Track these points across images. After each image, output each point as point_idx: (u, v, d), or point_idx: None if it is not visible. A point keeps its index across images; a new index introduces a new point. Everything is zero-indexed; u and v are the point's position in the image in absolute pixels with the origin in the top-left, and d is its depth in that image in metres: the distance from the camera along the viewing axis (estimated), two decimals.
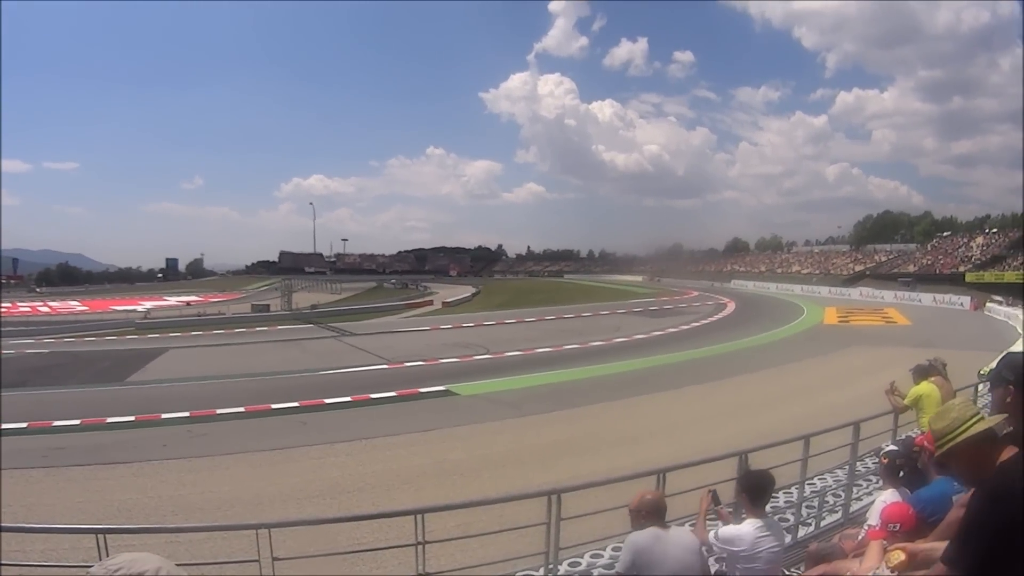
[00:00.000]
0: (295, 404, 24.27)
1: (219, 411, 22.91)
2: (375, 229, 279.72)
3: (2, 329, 52.48)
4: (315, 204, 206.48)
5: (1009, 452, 3.33)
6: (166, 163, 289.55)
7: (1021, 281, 73.15)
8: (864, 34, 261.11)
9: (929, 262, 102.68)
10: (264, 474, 16.52)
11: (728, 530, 6.01)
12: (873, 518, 5.92)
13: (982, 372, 4.35)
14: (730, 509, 6.61)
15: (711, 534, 6.07)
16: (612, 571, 8.16)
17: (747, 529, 5.89)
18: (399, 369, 33.52)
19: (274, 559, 5.91)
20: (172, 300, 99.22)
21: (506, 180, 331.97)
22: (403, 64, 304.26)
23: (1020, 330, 46.75)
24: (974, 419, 3.48)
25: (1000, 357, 4.32)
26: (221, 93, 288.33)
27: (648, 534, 5.61)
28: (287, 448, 18.70)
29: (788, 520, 9.87)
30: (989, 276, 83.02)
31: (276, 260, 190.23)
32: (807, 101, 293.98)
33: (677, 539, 5.69)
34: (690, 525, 6.45)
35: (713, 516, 6.48)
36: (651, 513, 5.77)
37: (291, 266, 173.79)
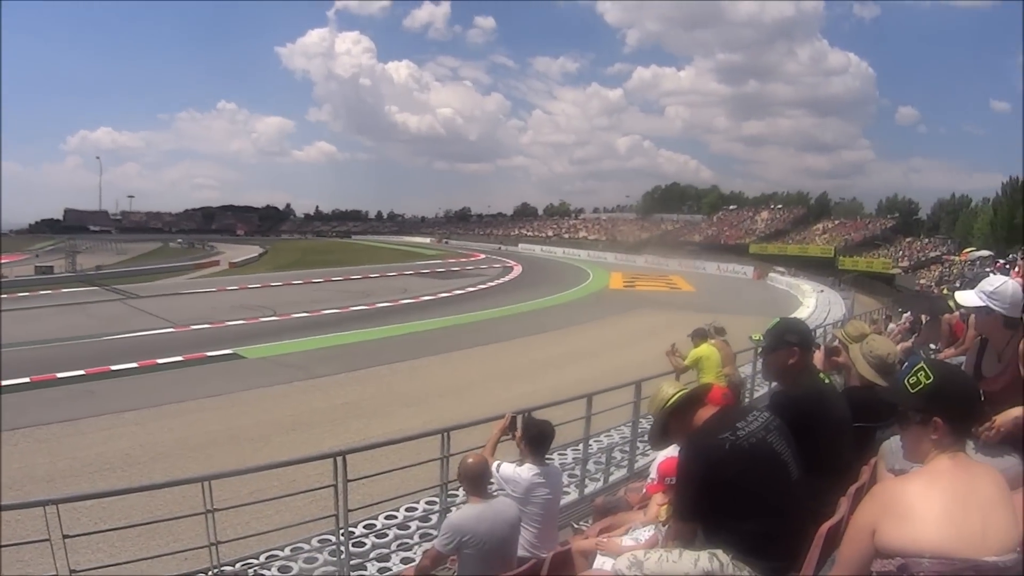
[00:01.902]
0: (81, 372, 23.83)
1: (3, 383, 21.82)
2: (163, 186, 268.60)
3: None
4: (102, 158, 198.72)
5: (709, 411, 3.73)
6: None
7: (802, 254, 77.80)
8: (667, 15, 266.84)
9: (715, 232, 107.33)
10: (53, 448, 16.17)
11: (508, 469, 6.30)
12: (654, 472, 6.24)
13: (753, 337, 5.06)
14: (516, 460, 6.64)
15: (494, 466, 6.30)
16: (407, 531, 9.06)
17: (524, 474, 6.20)
18: (185, 332, 33.27)
19: (64, 536, 5.75)
20: None
21: (297, 138, 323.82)
22: (197, 12, 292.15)
23: (801, 299, 49.86)
24: (679, 392, 3.95)
25: (774, 323, 4.83)
26: (6, 38, 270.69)
27: (470, 514, 5.69)
28: (75, 420, 18.40)
29: (577, 476, 10.65)
30: (772, 248, 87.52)
31: (61, 219, 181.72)
32: (604, 74, 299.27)
33: (497, 513, 5.76)
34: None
35: (509, 438, 6.82)
36: (473, 480, 5.89)
37: (76, 224, 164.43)
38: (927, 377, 2.77)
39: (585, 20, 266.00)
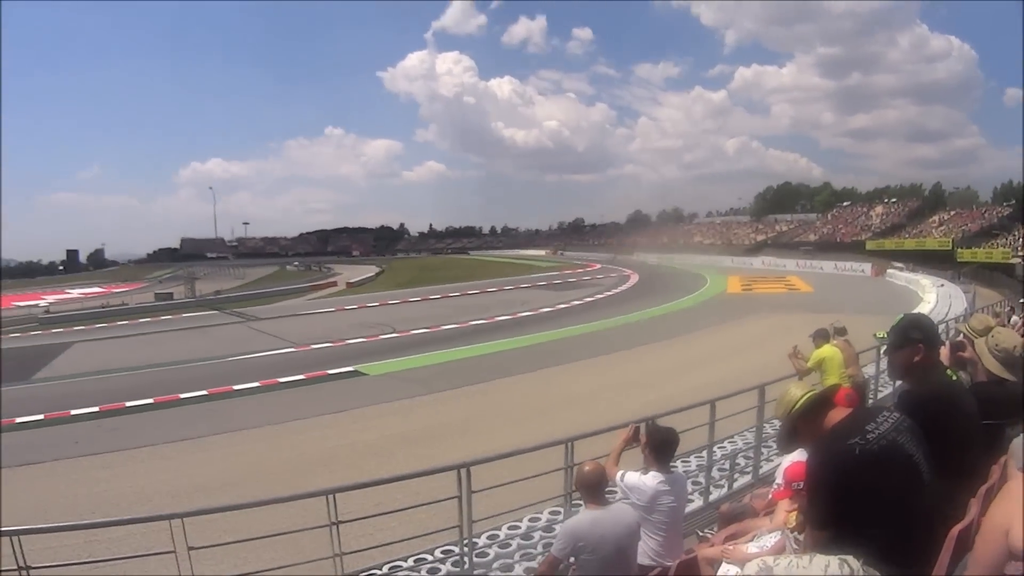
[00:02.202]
0: (204, 392, 24.04)
1: (128, 404, 22.55)
2: (276, 212, 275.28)
3: None
4: (215, 188, 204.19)
5: (839, 414, 3.52)
6: (60, 151, 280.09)
7: (919, 248, 75.66)
8: (763, 12, 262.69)
9: (830, 231, 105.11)
10: (177, 465, 16.37)
11: (632, 478, 6.15)
12: (780, 477, 6.05)
13: (878, 335, 4.73)
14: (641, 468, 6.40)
15: (618, 475, 6.22)
16: (530, 541, 8.88)
17: (649, 482, 6.03)
18: (306, 352, 33.44)
19: (190, 549, 5.91)
20: (75, 293, 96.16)
21: (406, 159, 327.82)
22: (299, 44, 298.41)
23: (922, 295, 48.30)
24: (806, 394, 3.73)
25: (898, 320, 4.60)
26: (112, 76, 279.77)
27: (586, 519, 5.56)
28: (199, 438, 18.56)
29: (701, 483, 10.18)
30: (889, 244, 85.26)
31: (178, 247, 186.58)
32: (706, 76, 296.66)
33: (615, 519, 5.61)
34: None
35: (634, 446, 6.60)
36: (590, 488, 5.71)
37: (193, 252, 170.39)
38: None
39: (682, 23, 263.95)
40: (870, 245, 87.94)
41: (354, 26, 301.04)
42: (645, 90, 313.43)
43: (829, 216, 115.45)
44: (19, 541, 5.81)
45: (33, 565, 5.89)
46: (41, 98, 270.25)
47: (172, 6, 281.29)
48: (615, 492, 6.46)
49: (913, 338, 4.34)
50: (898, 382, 5.60)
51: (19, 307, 72.29)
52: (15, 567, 5.76)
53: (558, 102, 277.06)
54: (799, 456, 5.21)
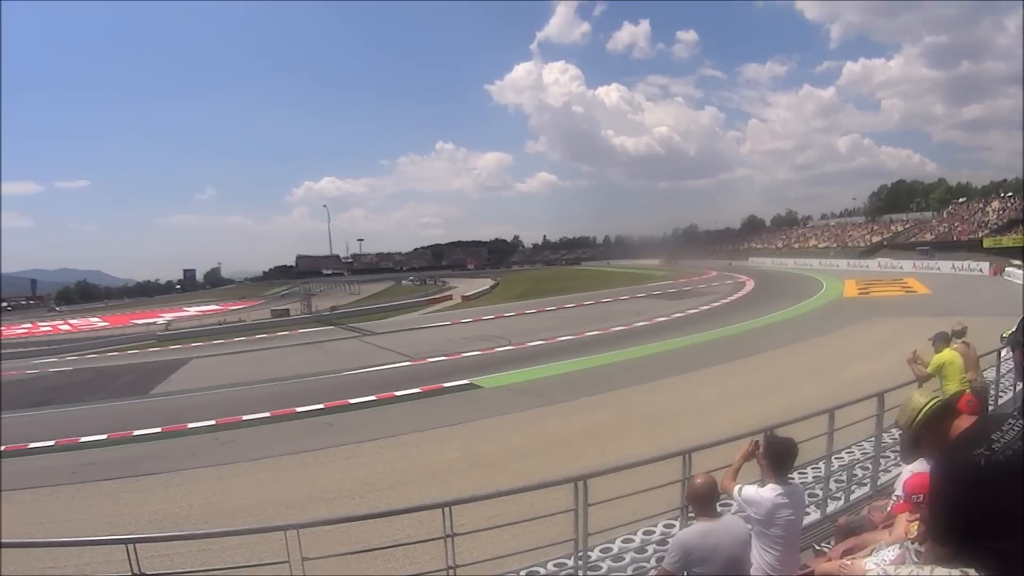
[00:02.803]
0: (320, 406, 24.27)
1: (244, 417, 22.97)
2: (390, 227, 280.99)
3: (2, 351, 52.85)
4: (328, 206, 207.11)
5: (966, 422, 3.43)
6: (177, 175, 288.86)
7: None
8: (866, 4, 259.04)
9: (946, 229, 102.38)
10: (293, 477, 16.56)
11: (750, 491, 6.03)
12: (899, 489, 5.88)
13: (1005, 335, 4.40)
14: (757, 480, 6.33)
15: (736, 489, 6.12)
16: (644, 555, 8.59)
17: (767, 495, 5.91)
18: (422, 365, 33.52)
19: (304, 559, 5.96)
20: (192, 310, 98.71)
21: (517, 171, 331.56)
22: (407, 62, 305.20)
23: None
24: (930, 402, 3.71)
25: (1020, 320, 4.53)
26: (225, 100, 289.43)
27: (696, 531, 5.54)
28: (314, 450, 18.66)
29: (817, 495, 9.86)
30: (1008, 240, 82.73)
31: (293, 265, 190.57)
32: (814, 74, 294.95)
33: (726, 531, 5.59)
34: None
35: (752, 460, 6.43)
36: (701, 500, 5.66)
37: (308, 269, 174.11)
38: None
39: (785, 21, 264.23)
40: (987, 242, 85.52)
41: (461, 41, 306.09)
42: (753, 91, 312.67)
43: (945, 214, 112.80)
44: (134, 549, 5.88)
45: (148, 573, 5.93)
46: (159, 124, 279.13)
47: (287, 31, 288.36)
48: (731, 505, 6.55)
49: (1018, 341, 4.29)
50: (1020, 386, 5.18)
51: (137, 324, 74.37)
52: (130, 574, 5.80)
53: (667, 107, 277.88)
54: (919, 467, 5.43)
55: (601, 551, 8.53)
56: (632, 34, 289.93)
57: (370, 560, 8.50)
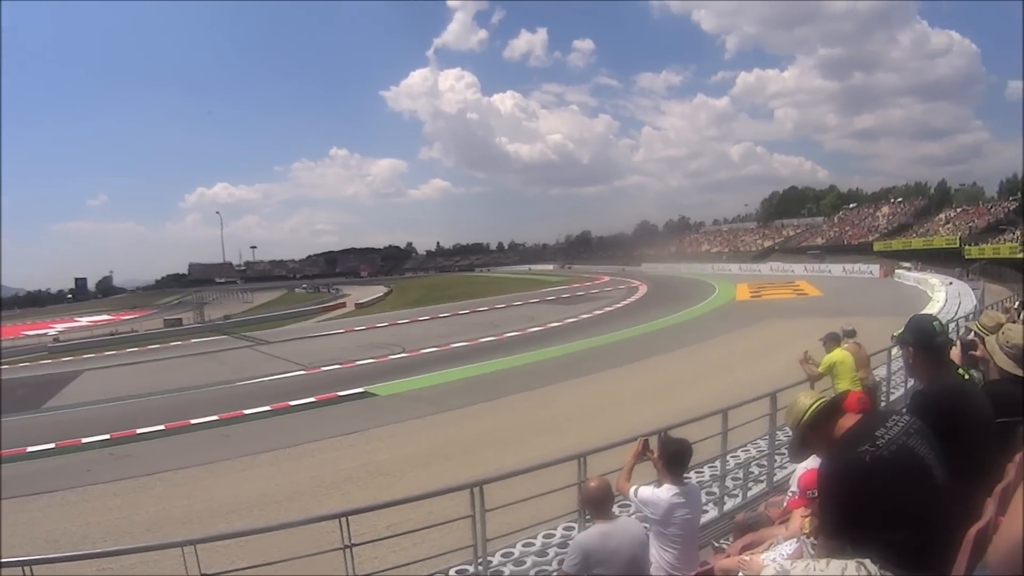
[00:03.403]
0: (215, 417, 24.12)
1: (139, 431, 22.63)
2: (283, 235, 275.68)
3: None
4: (221, 212, 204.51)
5: (850, 421, 3.55)
6: (69, 180, 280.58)
7: (927, 247, 75.88)
8: (763, 16, 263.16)
9: (837, 234, 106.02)
10: (190, 491, 16.34)
11: (646, 492, 6.14)
12: (794, 485, 6.15)
13: (895, 334, 4.74)
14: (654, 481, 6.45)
15: (632, 490, 6.24)
16: (545, 558, 8.87)
17: (663, 495, 6.02)
18: (316, 374, 33.50)
19: (202, 575, 6.00)
20: (83, 320, 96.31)
21: (411, 177, 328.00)
22: (300, 66, 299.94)
23: (930, 294, 48.27)
24: (815, 402, 3.79)
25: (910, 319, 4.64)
26: (118, 105, 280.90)
27: (595, 533, 5.64)
28: (211, 463, 18.55)
29: (715, 493, 10.21)
30: (896, 244, 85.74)
31: (186, 273, 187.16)
32: (708, 83, 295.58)
33: (624, 532, 5.70)
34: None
35: (645, 460, 6.59)
36: (595, 504, 5.79)
37: (201, 277, 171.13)
38: None
39: (682, 31, 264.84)
40: (878, 246, 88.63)
41: (357, 46, 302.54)
42: (648, 99, 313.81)
43: (836, 219, 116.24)
44: (30, 570, 5.82)
45: None
46: (48, 129, 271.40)
47: (177, 34, 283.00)
48: (629, 507, 6.67)
49: (905, 340, 4.47)
50: (911, 383, 5.63)
51: (28, 336, 72.49)
52: None
53: (561, 115, 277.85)
54: (813, 463, 5.20)
55: (503, 556, 8.77)
56: (529, 42, 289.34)
57: (271, 573, 8.73)
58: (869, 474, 3.12)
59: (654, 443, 6.72)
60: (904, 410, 3.89)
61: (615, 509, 5.90)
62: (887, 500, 3.09)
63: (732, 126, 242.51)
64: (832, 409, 3.71)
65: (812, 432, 3.74)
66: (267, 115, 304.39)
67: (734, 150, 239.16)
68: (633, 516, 6.42)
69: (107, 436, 22.17)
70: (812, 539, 4.36)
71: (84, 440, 22.00)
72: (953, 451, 3.39)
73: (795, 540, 4.93)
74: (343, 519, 6.64)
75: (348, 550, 6.63)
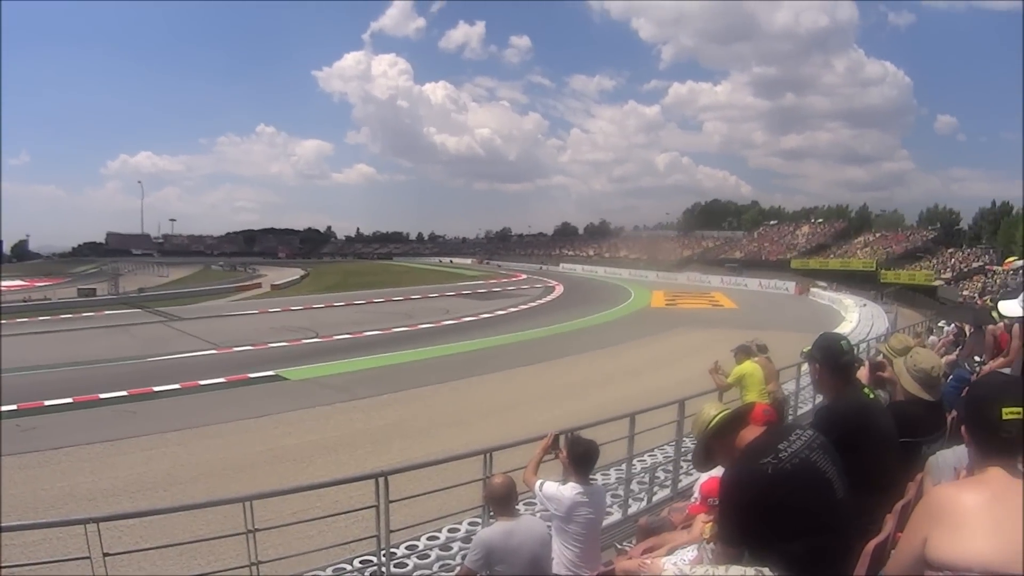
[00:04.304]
0: (124, 393, 23.88)
1: (47, 403, 22.33)
2: (203, 209, 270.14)
3: None
4: (143, 182, 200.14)
5: (753, 433, 3.62)
6: None
7: (844, 268, 77.50)
8: (702, 29, 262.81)
9: (756, 248, 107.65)
10: (96, 467, 16.22)
11: (551, 488, 6.23)
12: (696, 492, 6.28)
13: (804, 351, 4.98)
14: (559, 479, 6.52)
15: (537, 484, 6.34)
16: (449, 552, 8.96)
17: (567, 493, 6.10)
18: (228, 354, 33.37)
19: (105, 555, 5.77)
20: None
21: (336, 160, 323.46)
22: (234, 39, 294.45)
23: (844, 314, 49.43)
24: (720, 413, 3.92)
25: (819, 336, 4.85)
26: (44, 63, 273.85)
27: (498, 530, 5.71)
28: (118, 440, 18.41)
29: (620, 496, 10.38)
30: (814, 263, 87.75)
31: (103, 242, 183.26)
32: (641, 91, 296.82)
33: (527, 531, 5.78)
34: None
35: (552, 457, 6.83)
36: (499, 501, 5.90)
37: (118, 248, 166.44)
38: None
39: (620, 37, 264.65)
40: (795, 264, 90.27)
41: (292, 23, 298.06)
42: (579, 102, 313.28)
43: (756, 234, 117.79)
44: None
45: None
46: None
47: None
48: (534, 502, 6.75)
49: (813, 356, 4.68)
50: (819, 398, 6.03)
51: None
52: None
53: (491, 110, 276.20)
54: (716, 471, 5.48)
55: (407, 548, 8.80)
56: (466, 34, 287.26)
57: (174, 556, 8.71)
58: (770, 485, 3.22)
59: (564, 441, 6.90)
60: (807, 425, 3.98)
61: (520, 506, 6.06)
62: (786, 511, 3.18)
63: (660, 135, 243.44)
64: (736, 420, 3.80)
65: (716, 442, 3.85)
66: (196, 83, 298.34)
67: (660, 159, 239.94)
68: (537, 513, 6.61)
69: (14, 407, 21.72)
70: (712, 545, 4.34)
71: None
72: (854, 467, 3.52)
73: (696, 546, 4.98)
74: (247, 503, 6.49)
75: (251, 535, 6.47)
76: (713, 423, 3.89)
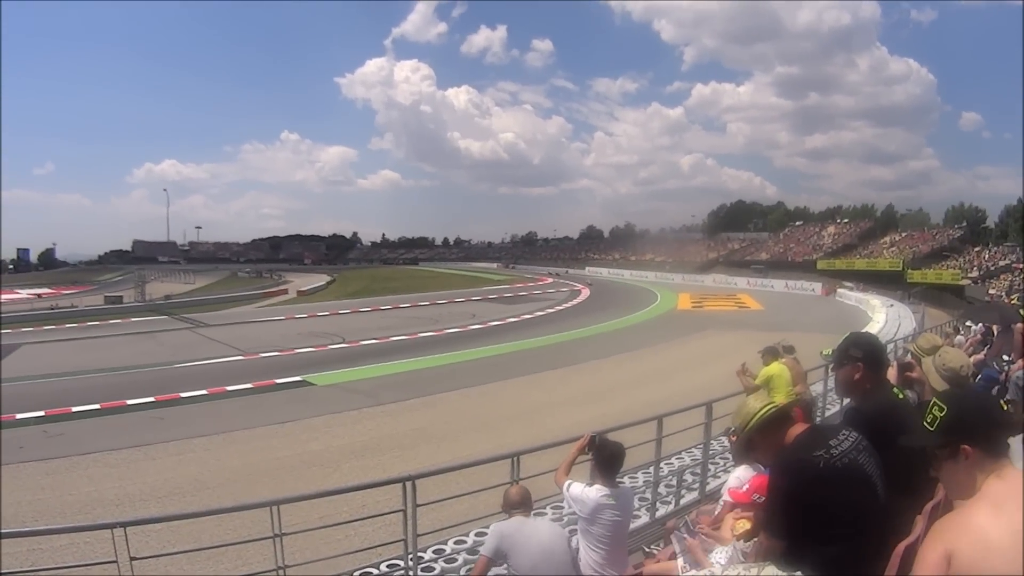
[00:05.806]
0: (151, 399, 23.93)
1: (75, 409, 22.34)
2: (229, 217, 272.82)
3: None
4: (168, 190, 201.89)
5: (799, 429, 3.66)
6: (15, 148, 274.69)
7: (870, 269, 76.86)
8: (723, 30, 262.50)
9: (781, 250, 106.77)
10: (123, 473, 16.22)
11: (577, 489, 6.21)
12: (725, 494, 6.27)
13: (824, 353, 4.79)
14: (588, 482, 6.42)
15: (565, 485, 6.32)
16: (476, 556, 8.35)
17: (592, 495, 6.07)
18: (255, 360, 33.41)
19: (132, 559, 5.67)
20: (24, 293, 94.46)
21: (361, 167, 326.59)
22: (257, 47, 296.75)
23: (871, 314, 48.93)
24: (765, 407, 3.81)
25: (843, 338, 4.73)
26: (69, 76, 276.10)
27: (513, 521, 5.89)
28: (145, 445, 18.37)
29: (647, 499, 10.21)
30: (840, 264, 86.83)
31: (129, 250, 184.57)
32: (664, 93, 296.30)
33: (539, 524, 6.03)
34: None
35: (588, 458, 6.62)
36: (516, 505, 6.03)
37: (144, 255, 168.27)
38: (940, 410, 2.75)
39: (642, 40, 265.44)
40: (821, 265, 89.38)
41: (314, 30, 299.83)
42: (602, 105, 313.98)
43: (781, 235, 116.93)
44: None
45: None
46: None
47: (134, 8, 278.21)
48: (562, 505, 6.90)
49: (853, 356, 4.49)
50: (846, 400, 5.84)
51: None
52: None
53: (515, 114, 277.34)
54: (743, 473, 5.85)
55: (434, 552, 8.64)
56: (488, 38, 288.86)
57: (201, 560, 8.58)
58: (820, 479, 3.25)
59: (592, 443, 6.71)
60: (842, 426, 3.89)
61: (547, 510, 6.46)
62: (831, 510, 3.20)
63: (684, 136, 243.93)
64: (783, 416, 3.77)
65: (759, 436, 3.79)
66: (220, 90, 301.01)
67: (684, 160, 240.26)
68: (565, 515, 6.91)
69: (42, 413, 21.86)
70: (742, 543, 4.52)
71: (18, 416, 21.64)
72: (886, 468, 3.52)
73: (729, 547, 4.88)
74: (274, 508, 6.41)
75: (278, 539, 6.42)
76: (758, 417, 3.78)
